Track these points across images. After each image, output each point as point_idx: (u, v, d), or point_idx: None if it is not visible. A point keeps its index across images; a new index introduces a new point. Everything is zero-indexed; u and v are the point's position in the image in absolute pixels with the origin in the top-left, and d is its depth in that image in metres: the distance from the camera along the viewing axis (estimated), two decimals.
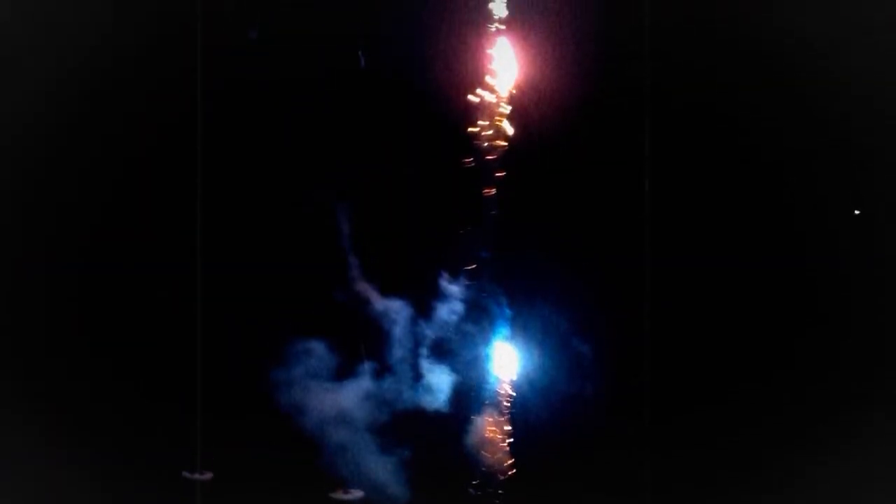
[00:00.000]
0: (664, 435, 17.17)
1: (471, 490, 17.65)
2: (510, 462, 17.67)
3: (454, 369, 17.78)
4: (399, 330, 17.72)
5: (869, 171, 17.10)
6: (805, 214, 17.38)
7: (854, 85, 16.75)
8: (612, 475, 17.20)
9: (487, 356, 17.85)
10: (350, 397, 17.69)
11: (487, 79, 17.55)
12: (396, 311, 17.70)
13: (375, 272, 17.72)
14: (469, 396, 17.80)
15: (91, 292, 17.76)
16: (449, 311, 17.74)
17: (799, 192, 17.28)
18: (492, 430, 17.75)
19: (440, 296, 17.71)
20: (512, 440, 17.68)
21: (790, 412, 16.97)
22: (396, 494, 17.81)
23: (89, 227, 17.78)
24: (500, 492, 17.61)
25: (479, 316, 17.82)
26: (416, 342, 17.76)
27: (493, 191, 17.63)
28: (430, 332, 17.76)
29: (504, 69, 17.56)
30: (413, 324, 17.74)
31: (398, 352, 17.75)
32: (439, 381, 17.70)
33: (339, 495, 17.74)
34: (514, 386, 17.76)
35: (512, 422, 17.72)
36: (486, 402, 17.82)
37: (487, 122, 17.60)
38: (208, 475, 17.63)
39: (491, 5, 17.45)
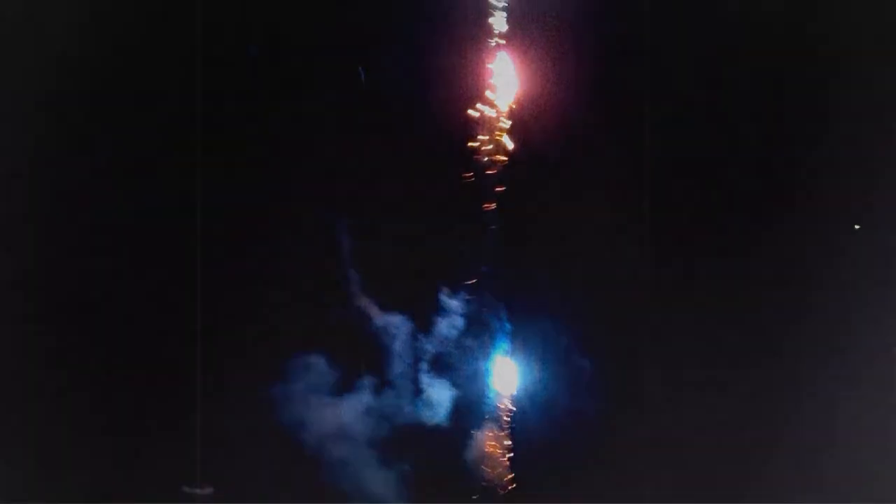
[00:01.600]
0: (663, 448, 17.21)
1: None
2: (510, 476, 17.69)
3: (454, 384, 17.79)
4: (399, 345, 17.71)
5: (870, 170, 17.21)
6: (804, 224, 17.47)
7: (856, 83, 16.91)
8: (612, 489, 17.23)
9: (487, 371, 17.86)
10: (350, 412, 17.68)
11: (487, 93, 17.55)
12: (396, 325, 17.69)
13: (375, 287, 17.70)
14: (469, 411, 17.82)
15: (88, 302, 17.69)
16: (449, 325, 17.74)
17: (804, 209, 17.37)
18: (492, 444, 17.76)
19: (440, 310, 17.70)
20: (512, 454, 17.71)
21: (790, 427, 17.08)
22: None
23: (88, 233, 17.69)
24: None
25: (479, 330, 17.83)
26: (417, 357, 17.76)
27: (494, 205, 17.63)
28: (430, 347, 17.76)
29: (504, 84, 17.54)
30: (413, 338, 17.74)
31: (398, 366, 17.74)
32: (439, 396, 17.71)
33: None
34: (514, 400, 17.78)
35: (512, 436, 17.75)
36: (486, 416, 17.83)
37: (487, 137, 17.59)
38: (208, 490, 17.60)
39: (491, 20, 17.43)
